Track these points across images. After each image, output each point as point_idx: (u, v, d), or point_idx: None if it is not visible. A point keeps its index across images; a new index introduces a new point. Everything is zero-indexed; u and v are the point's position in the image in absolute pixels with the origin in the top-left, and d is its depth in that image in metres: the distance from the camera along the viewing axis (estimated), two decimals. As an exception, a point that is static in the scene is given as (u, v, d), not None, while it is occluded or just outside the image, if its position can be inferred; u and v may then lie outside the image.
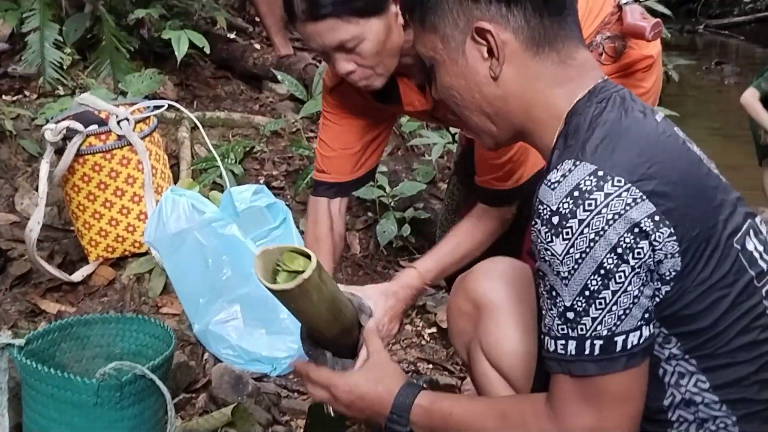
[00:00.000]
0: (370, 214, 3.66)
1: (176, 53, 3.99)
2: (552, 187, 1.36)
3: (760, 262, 1.46)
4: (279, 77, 4.08)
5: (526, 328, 1.74)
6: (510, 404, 1.57)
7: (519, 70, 1.47)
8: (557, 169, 1.38)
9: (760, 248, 1.47)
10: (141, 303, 3.05)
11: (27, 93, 3.98)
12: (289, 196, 3.62)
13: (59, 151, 3.06)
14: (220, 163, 3.28)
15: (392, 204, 3.57)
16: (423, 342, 3.10)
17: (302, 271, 1.69)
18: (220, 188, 3.40)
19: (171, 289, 3.06)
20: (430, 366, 2.95)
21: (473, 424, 1.54)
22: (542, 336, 1.44)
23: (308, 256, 1.67)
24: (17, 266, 3.13)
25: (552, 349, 1.41)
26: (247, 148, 3.81)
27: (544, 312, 1.43)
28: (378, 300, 1.98)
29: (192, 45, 4.05)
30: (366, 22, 1.91)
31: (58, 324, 2.33)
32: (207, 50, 4.12)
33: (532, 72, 1.47)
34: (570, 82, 1.48)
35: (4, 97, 3.87)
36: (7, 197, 3.46)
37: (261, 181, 3.71)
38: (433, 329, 3.15)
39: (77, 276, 3.12)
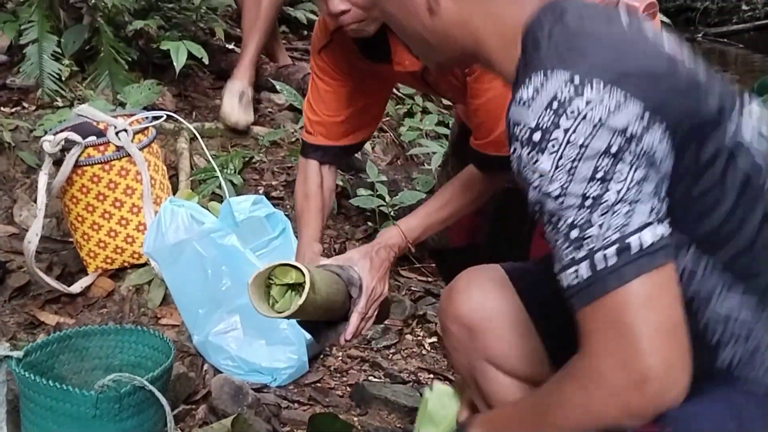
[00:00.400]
0: (369, 223, 3.66)
1: (175, 64, 3.98)
2: (526, 104, 1.27)
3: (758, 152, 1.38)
4: (278, 87, 4.07)
5: (524, 325, 1.71)
6: (547, 385, 1.40)
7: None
8: (526, 86, 1.28)
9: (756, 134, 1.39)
10: (140, 314, 3.04)
11: (25, 105, 3.96)
12: (288, 207, 3.61)
13: (58, 163, 3.06)
14: (219, 173, 3.28)
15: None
16: (423, 352, 3.10)
17: (294, 284, 1.75)
18: (220, 199, 3.39)
19: (170, 300, 3.04)
20: (431, 376, 2.94)
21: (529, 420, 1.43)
22: (558, 279, 1.31)
23: (300, 269, 1.75)
24: (16, 278, 3.12)
25: (567, 284, 1.29)
26: (246, 159, 3.80)
27: (554, 251, 1.31)
28: (363, 265, 1.98)
29: (190, 56, 4.04)
30: None
31: (56, 336, 2.33)
32: (206, 61, 4.12)
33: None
34: (516, 3, 1.42)
35: (2, 108, 3.85)
36: (6, 209, 3.44)
37: (260, 192, 3.70)
38: (434, 339, 3.14)
39: (76, 287, 3.11)
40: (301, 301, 1.74)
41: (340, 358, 3.05)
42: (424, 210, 2.11)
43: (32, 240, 2.95)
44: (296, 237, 2.96)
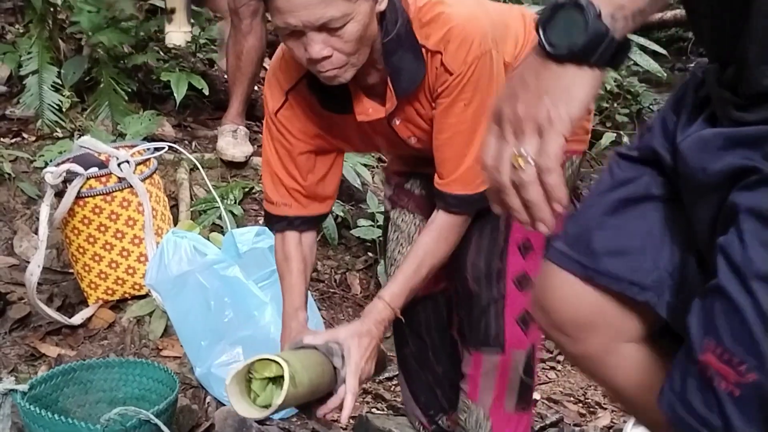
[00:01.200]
0: (370, 254, 3.65)
1: (175, 95, 3.99)
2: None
3: None
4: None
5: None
6: None
7: None
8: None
9: None
10: (141, 346, 3.03)
11: (25, 135, 3.96)
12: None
13: (59, 194, 3.06)
14: (220, 203, 3.28)
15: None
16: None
17: (276, 377, 1.74)
18: (220, 229, 3.39)
19: (172, 332, 3.04)
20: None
21: None
22: None
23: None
24: (17, 309, 3.11)
25: None
26: (246, 189, 3.80)
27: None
28: (352, 343, 1.91)
29: (190, 86, 4.05)
30: (357, 0, 1.76)
31: (60, 369, 2.32)
32: (206, 92, 4.13)
33: None
34: None
35: (2, 139, 3.86)
36: (6, 240, 3.43)
37: (260, 222, 3.69)
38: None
39: (77, 319, 3.10)
40: (280, 399, 1.74)
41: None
42: (403, 275, 1.99)
43: (34, 272, 2.94)
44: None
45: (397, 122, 2.02)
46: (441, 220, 1.99)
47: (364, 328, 1.94)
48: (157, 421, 2.08)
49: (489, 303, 1.95)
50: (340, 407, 1.89)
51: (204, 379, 2.84)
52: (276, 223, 2.17)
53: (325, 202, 2.18)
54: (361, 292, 3.56)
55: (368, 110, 1.99)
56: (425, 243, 1.99)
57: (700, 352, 1.19)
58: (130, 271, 3.13)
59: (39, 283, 3.04)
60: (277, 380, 1.78)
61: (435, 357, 2.25)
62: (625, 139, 5.00)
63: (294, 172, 2.11)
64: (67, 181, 3.04)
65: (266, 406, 1.79)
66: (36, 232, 3.30)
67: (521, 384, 1.95)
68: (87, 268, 3.12)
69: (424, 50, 1.87)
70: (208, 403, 2.79)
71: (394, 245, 2.31)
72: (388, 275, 2.30)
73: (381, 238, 3.51)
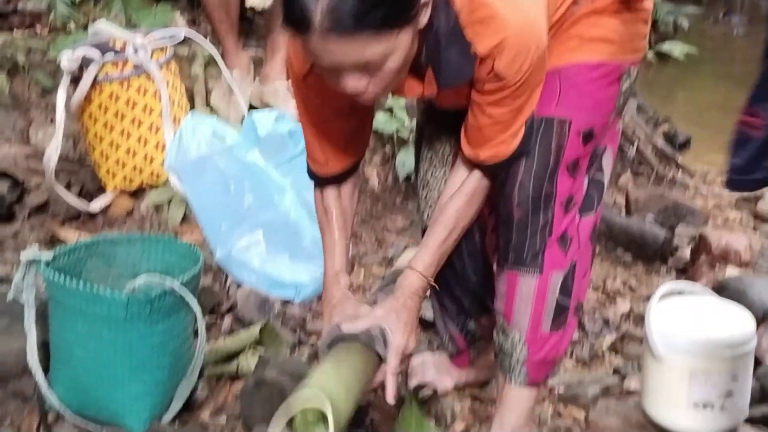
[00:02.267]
0: (388, 148, 3.62)
1: (189, -12, 3.93)
2: None
3: None
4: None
5: None
6: None
7: None
8: None
9: None
10: (161, 232, 3.02)
11: (38, 30, 3.92)
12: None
13: (75, 81, 3.03)
14: (237, 93, 3.24)
15: (411, 137, 3.53)
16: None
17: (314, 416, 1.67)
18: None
19: (191, 218, 3.03)
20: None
21: None
22: None
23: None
24: (35, 196, 3.10)
25: None
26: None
27: None
28: (390, 321, 1.85)
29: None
30: (398, 34, 1.60)
31: (83, 242, 2.30)
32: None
33: None
34: None
35: (15, 32, 3.81)
36: (22, 130, 3.41)
37: (275, 116, 3.66)
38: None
39: (95, 206, 3.09)
40: None
41: (362, 275, 3.03)
42: (434, 242, 1.90)
43: (51, 157, 2.93)
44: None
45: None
46: (473, 184, 1.88)
47: (399, 303, 1.88)
48: (182, 290, 2.08)
49: (532, 227, 1.86)
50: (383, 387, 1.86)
51: (224, 262, 2.84)
52: (315, 179, 2.06)
53: (361, 150, 2.08)
54: (378, 186, 3.54)
55: (403, 89, 1.84)
56: (457, 209, 1.89)
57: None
58: (148, 159, 3.11)
59: (56, 172, 3.02)
60: (320, 417, 1.68)
61: (465, 277, 2.20)
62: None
63: (327, 132, 1.99)
64: (83, 67, 3.01)
65: None
66: (52, 122, 3.28)
67: (557, 305, 1.91)
68: (104, 156, 3.10)
69: (472, 50, 1.70)
70: (229, 284, 2.79)
71: (427, 165, 2.20)
72: (420, 198, 2.22)
73: (397, 133, 3.50)
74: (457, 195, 1.89)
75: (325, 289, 2.01)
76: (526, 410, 1.98)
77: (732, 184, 1.88)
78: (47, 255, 2.12)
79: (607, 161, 1.93)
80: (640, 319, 2.76)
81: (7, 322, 2.30)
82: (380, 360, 1.86)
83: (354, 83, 1.64)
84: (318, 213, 2.07)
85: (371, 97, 1.70)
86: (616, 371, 2.49)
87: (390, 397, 1.82)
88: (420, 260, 1.91)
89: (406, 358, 1.91)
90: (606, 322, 2.76)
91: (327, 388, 1.67)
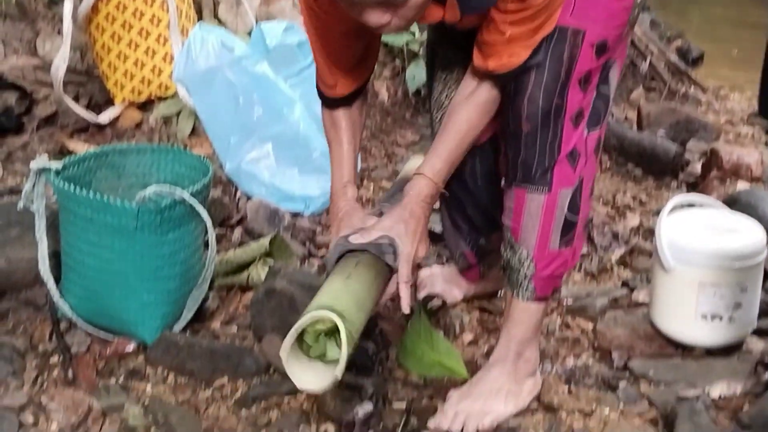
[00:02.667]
0: (398, 61, 3.59)
1: None
2: None
3: None
4: None
5: None
6: None
7: None
8: None
9: None
10: (170, 145, 3.01)
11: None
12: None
13: (82, -10, 3.00)
14: (246, 3, 3.20)
15: (421, 50, 3.49)
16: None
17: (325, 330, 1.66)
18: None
19: (200, 131, 3.02)
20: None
21: None
22: None
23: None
24: (43, 107, 3.09)
25: None
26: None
27: None
28: (399, 230, 1.83)
29: None
30: None
31: (93, 152, 2.30)
32: None
33: None
34: None
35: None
36: (29, 41, 3.39)
37: (285, 28, 3.62)
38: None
39: (104, 118, 3.08)
40: (339, 372, 1.62)
41: (371, 189, 3.03)
42: (444, 149, 1.86)
43: (60, 67, 2.91)
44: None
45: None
46: (484, 94, 1.84)
47: (407, 211, 1.84)
48: (192, 200, 2.08)
49: (541, 142, 1.83)
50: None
51: (234, 174, 2.84)
52: (324, 100, 2.03)
53: (369, 70, 2.04)
54: (388, 100, 3.52)
55: (423, 15, 1.76)
56: (469, 118, 1.85)
57: None
58: (156, 70, 3.09)
59: (64, 84, 3.01)
60: (331, 332, 1.68)
61: (477, 196, 2.17)
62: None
63: (336, 54, 1.95)
64: (89, -24, 2.98)
65: (321, 356, 1.69)
66: (59, 33, 3.25)
67: (565, 222, 1.88)
68: (112, 67, 3.08)
69: None
70: (239, 197, 2.79)
71: (441, 87, 2.16)
72: (433, 120, 2.19)
73: (407, 45, 3.46)
74: (467, 103, 1.85)
75: (332, 202, 2.00)
76: (534, 324, 1.98)
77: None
78: (57, 164, 2.12)
79: (614, 75, 1.89)
80: (649, 233, 2.76)
81: (19, 232, 2.31)
82: (391, 271, 1.86)
83: (377, 18, 1.61)
84: (326, 126, 2.05)
85: (394, 31, 1.67)
86: (624, 284, 2.50)
87: (405, 306, 1.82)
88: (429, 166, 1.87)
89: (416, 267, 1.90)
90: (615, 235, 2.77)
91: (337, 304, 1.66)
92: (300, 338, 1.68)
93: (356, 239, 1.84)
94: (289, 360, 1.65)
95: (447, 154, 1.86)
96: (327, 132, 2.05)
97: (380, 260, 1.83)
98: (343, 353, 1.61)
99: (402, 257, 1.82)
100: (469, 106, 1.85)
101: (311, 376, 1.67)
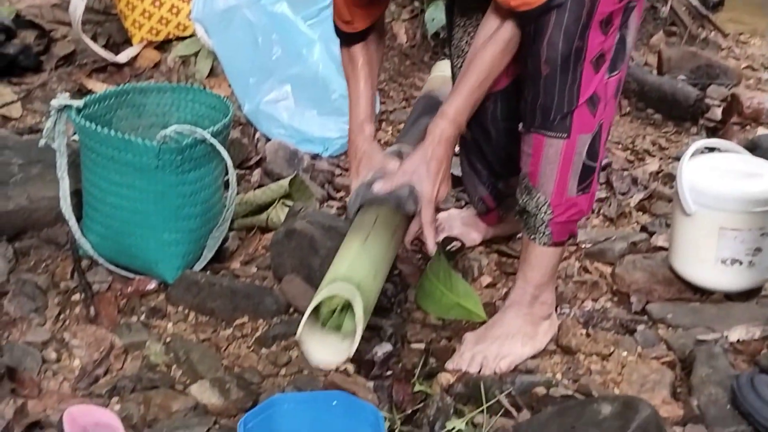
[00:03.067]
0: (417, 3, 3.55)
1: None
2: None
3: None
4: None
5: None
6: None
7: None
8: None
9: None
10: (188, 85, 3.00)
11: None
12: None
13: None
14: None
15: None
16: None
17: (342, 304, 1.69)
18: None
19: (218, 71, 3.01)
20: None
21: None
22: None
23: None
24: (61, 47, 3.09)
25: None
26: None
27: None
28: (420, 174, 1.82)
29: None
30: None
31: (113, 90, 2.29)
32: None
33: None
34: None
35: None
36: (46, -21, 3.37)
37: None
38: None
39: (122, 57, 3.07)
40: (354, 346, 1.64)
41: (390, 132, 3.02)
42: (467, 88, 1.83)
43: (78, 5, 2.90)
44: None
45: None
46: (506, 34, 1.80)
47: (429, 153, 1.83)
48: (212, 140, 2.08)
49: (560, 86, 1.79)
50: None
51: (253, 115, 2.84)
52: (341, 36, 2.03)
53: (385, 2, 2.03)
54: (407, 42, 3.48)
55: None
56: (491, 57, 1.81)
57: None
58: (174, 10, 3.07)
59: (82, 23, 3.00)
60: (348, 305, 1.69)
61: (497, 141, 2.14)
62: None
63: None
64: None
65: (337, 327, 1.73)
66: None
67: (584, 168, 1.86)
68: (130, 7, 3.06)
69: None
70: (258, 138, 2.79)
71: (461, 34, 2.12)
72: (454, 66, 2.16)
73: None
74: (490, 43, 1.81)
75: (350, 140, 2.00)
76: (550, 268, 1.98)
77: None
78: (78, 102, 2.12)
79: (634, 18, 1.86)
80: (668, 178, 2.75)
81: (40, 170, 2.32)
82: (410, 220, 1.86)
83: None
84: (344, 64, 2.05)
85: None
86: (643, 229, 2.49)
87: (430, 246, 1.84)
88: (451, 106, 1.85)
89: (438, 205, 1.89)
90: (634, 181, 2.76)
91: (355, 275, 1.68)
92: (317, 307, 1.71)
93: (378, 187, 1.85)
94: (304, 335, 1.68)
95: (469, 94, 1.84)
96: (345, 69, 2.05)
97: (399, 214, 1.83)
98: (358, 333, 1.63)
99: (424, 200, 1.82)
100: (491, 46, 1.81)
101: (325, 349, 1.69)
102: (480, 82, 1.83)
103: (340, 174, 2.69)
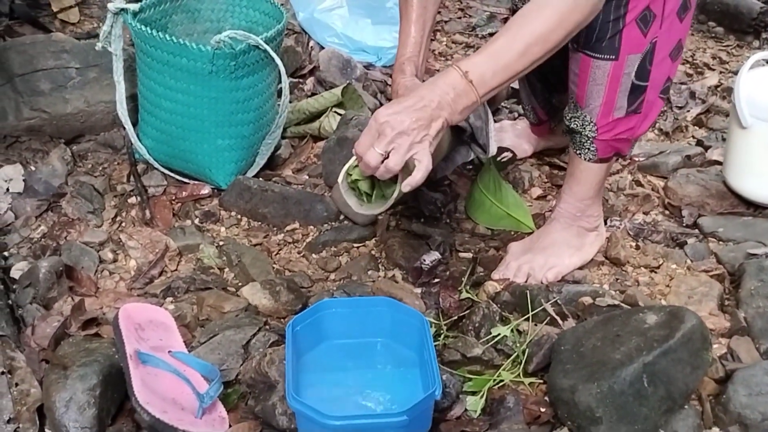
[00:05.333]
0: None
1: None
2: None
3: None
4: None
5: None
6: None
7: None
8: None
9: None
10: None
11: None
12: None
13: None
14: None
15: None
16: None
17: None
18: None
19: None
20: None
21: None
22: None
23: None
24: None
25: None
26: None
27: None
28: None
29: None
30: None
31: (168, -5, 2.30)
32: None
33: None
34: None
35: None
36: None
37: None
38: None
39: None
40: (393, 197, 1.68)
41: (444, 42, 3.00)
42: (495, 46, 1.66)
43: None
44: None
45: None
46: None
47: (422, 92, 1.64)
48: (266, 46, 2.08)
49: (606, 4, 1.74)
50: None
51: (307, 24, 2.83)
52: None
53: None
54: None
55: None
56: (528, 14, 1.64)
57: None
58: None
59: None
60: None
61: (554, 56, 2.06)
62: None
63: None
64: None
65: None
66: None
67: (632, 89, 1.81)
68: None
69: None
70: (312, 47, 2.79)
71: None
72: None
73: None
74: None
75: (393, 79, 1.98)
76: (596, 183, 1.95)
77: None
78: (134, 6, 2.13)
79: None
80: (728, 93, 2.70)
81: (97, 74, 2.34)
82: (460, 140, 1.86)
83: None
84: (400, 1, 1.98)
85: None
86: (699, 142, 2.46)
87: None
88: (467, 60, 1.68)
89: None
90: (692, 94, 2.71)
91: None
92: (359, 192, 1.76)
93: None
94: (345, 195, 1.73)
95: (494, 52, 1.66)
96: (400, 6, 1.99)
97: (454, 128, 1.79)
98: (398, 186, 1.64)
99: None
100: (533, 5, 1.65)
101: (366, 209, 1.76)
102: (509, 42, 1.65)
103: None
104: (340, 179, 1.77)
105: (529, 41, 1.62)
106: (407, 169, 1.62)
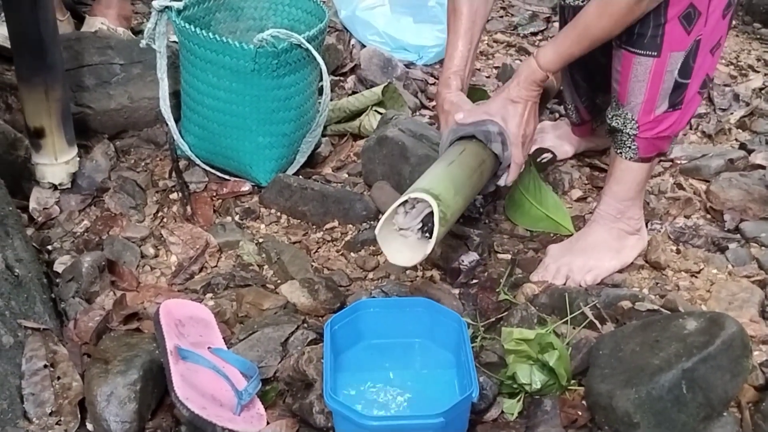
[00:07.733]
0: None
1: None
2: None
3: None
4: None
5: None
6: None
7: None
8: None
9: None
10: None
11: None
12: None
13: None
14: None
15: None
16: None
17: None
18: None
19: (316, -24, 3.00)
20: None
21: None
22: None
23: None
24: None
25: None
26: None
27: None
28: (506, 115, 1.83)
29: None
30: None
31: (211, -8, 2.31)
32: None
33: None
34: None
35: None
36: None
37: None
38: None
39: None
40: (429, 248, 1.63)
41: (485, 41, 2.99)
42: (564, 40, 1.79)
43: None
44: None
45: None
46: None
47: (513, 93, 1.83)
48: (308, 45, 2.09)
49: None
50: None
51: (348, 21, 2.84)
52: None
53: None
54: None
55: None
56: (594, 8, 1.73)
57: None
58: None
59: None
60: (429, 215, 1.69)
61: (600, 55, 2.03)
62: None
63: None
64: None
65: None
66: None
67: (675, 87, 1.80)
68: None
69: None
70: (353, 45, 2.79)
71: None
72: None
73: None
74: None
75: (438, 93, 1.98)
76: (636, 183, 1.94)
77: None
78: (178, 3, 2.15)
79: None
80: (772, 95, 2.68)
81: (140, 71, 2.37)
82: (497, 160, 1.85)
83: None
84: (448, 13, 1.99)
85: None
86: (742, 146, 2.44)
87: (509, 180, 1.88)
88: (546, 54, 1.81)
89: (528, 143, 1.89)
90: (736, 96, 2.69)
91: (435, 187, 1.67)
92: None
93: (461, 117, 1.85)
94: (385, 236, 1.69)
95: (565, 48, 1.79)
96: (448, 20, 2.00)
97: (487, 149, 1.82)
98: (436, 231, 1.63)
99: (510, 141, 1.83)
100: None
101: (404, 253, 1.70)
102: (578, 38, 1.76)
103: (434, 83, 2.68)
104: (378, 228, 1.70)
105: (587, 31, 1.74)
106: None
